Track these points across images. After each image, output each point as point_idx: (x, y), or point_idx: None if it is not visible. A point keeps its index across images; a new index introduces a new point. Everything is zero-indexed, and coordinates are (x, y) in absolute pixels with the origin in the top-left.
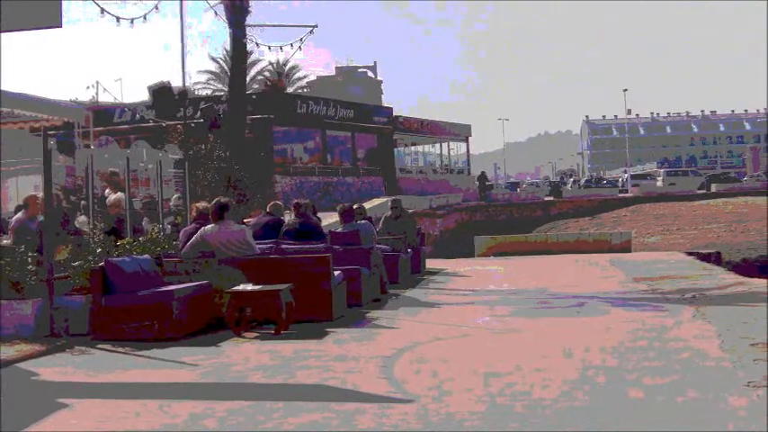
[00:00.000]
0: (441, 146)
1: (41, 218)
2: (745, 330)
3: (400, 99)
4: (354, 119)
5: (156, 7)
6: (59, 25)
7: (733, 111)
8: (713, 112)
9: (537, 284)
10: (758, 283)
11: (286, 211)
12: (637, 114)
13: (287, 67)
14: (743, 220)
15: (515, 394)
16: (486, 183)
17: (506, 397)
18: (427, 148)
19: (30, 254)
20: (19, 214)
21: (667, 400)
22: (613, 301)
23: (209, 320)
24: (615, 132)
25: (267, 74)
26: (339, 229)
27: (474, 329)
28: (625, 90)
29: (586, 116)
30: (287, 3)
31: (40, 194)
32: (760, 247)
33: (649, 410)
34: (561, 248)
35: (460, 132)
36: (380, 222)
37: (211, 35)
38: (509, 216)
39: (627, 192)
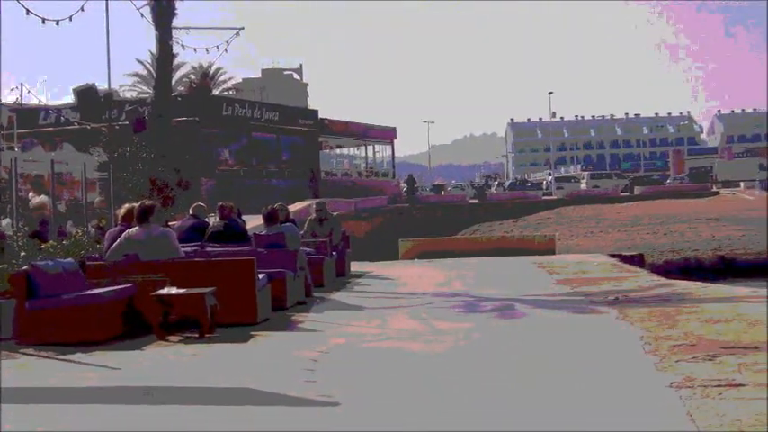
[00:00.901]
0: (366, 148)
1: None
2: (667, 332)
3: (326, 101)
4: (280, 121)
5: (82, 8)
6: None
7: (656, 114)
8: (637, 115)
9: (461, 287)
10: (681, 285)
11: (210, 214)
12: (561, 117)
13: (212, 70)
14: (666, 222)
15: (441, 397)
16: (415, 185)
17: (432, 399)
18: (353, 150)
19: None
20: None
21: (591, 401)
22: (537, 303)
23: (133, 324)
24: (539, 135)
25: (192, 77)
26: (264, 232)
27: (398, 332)
28: (550, 93)
29: (511, 119)
30: (214, 5)
31: None
32: (683, 249)
33: (574, 411)
34: (486, 251)
35: (386, 135)
36: (305, 225)
37: (138, 37)
38: (434, 218)
39: (551, 194)
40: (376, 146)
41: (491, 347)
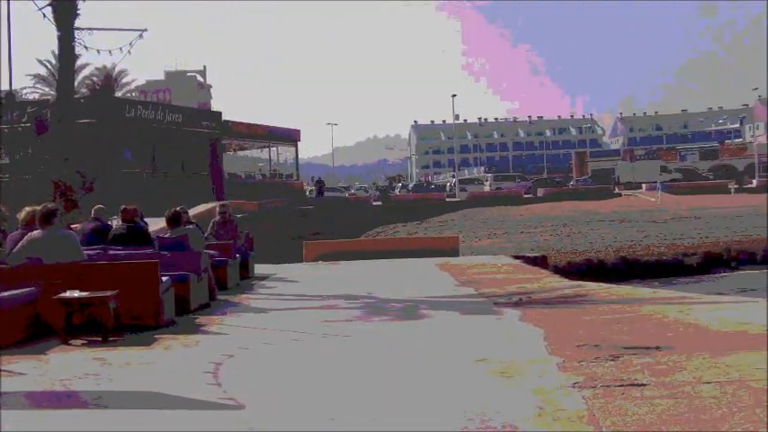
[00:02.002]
0: (269, 150)
1: None
2: (571, 332)
3: (229, 104)
4: (183, 123)
5: None
6: None
7: (559, 116)
8: (540, 117)
9: (365, 289)
10: (584, 286)
11: (113, 216)
12: (465, 120)
13: (115, 72)
14: (569, 223)
15: (347, 397)
16: (323, 187)
17: (338, 400)
18: (256, 152)
19: None
20: None
21: (495, 401)
22: (440, 304)
23: (36, 328)
24: (443, 137)
25: (96, 78)
26: (167, 234)
27: (303, 334)
28: (453, 95)
29: (415, 121)
30: (117, 6)
31: None
32: (586, 250)
33: (478, 410)
34: (390, 252)
35: (290, 136)
36: (209, 227)
37: (39, 37)
38: (338, 220)
39: (455, 196)
40: (280, 147)
41: (395, 349)
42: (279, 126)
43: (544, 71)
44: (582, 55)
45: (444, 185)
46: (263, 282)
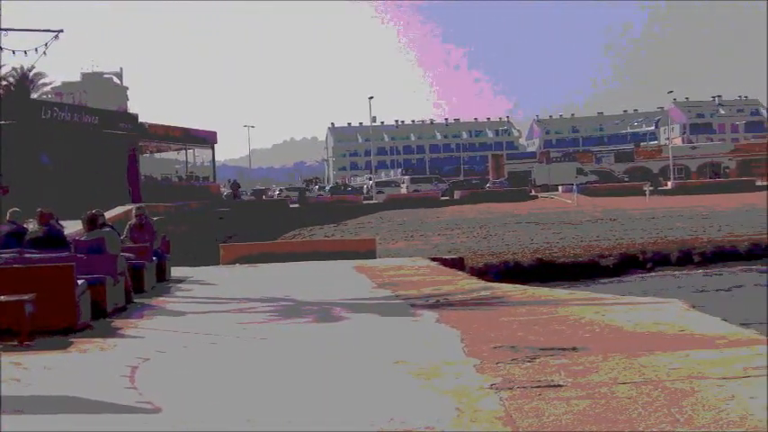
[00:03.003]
0: (186, 153)
1: None
2: (488, 334)
3: (147, 106)
4: (100, 125)
5: None
6: None
7: (476, 119)
8: (456, 120)
9: (282, 291)
10: (501, 288)
11: (29, 219)
12: (382, 122)
13: (32, 73)
14: (485, 225)
15: (265, 399)
16: (240, 189)
17: (256, 403)
18: (173, 155)
19: None
20: None
21: (412, 404)
22: (358, 307)
23: None
24: (360, 139)
25: (11, 79)
26: (83, 237)
27: (221, 338)
28: (370, 97)
29: (332, 123)
30: (32, 7)
31: None
32: (502, 252)
33: (395, 412)
34: (307, 254)
35: (206, 138)
36: (125, 230)
37: None
38: (255, 222)
39: (372, 198)
40: (197, 150)
41: (312, 351)
42: (196, 128)
43: (470, 74)
44: (503, 57)
45: (361, 188)
46: (179, 285)
